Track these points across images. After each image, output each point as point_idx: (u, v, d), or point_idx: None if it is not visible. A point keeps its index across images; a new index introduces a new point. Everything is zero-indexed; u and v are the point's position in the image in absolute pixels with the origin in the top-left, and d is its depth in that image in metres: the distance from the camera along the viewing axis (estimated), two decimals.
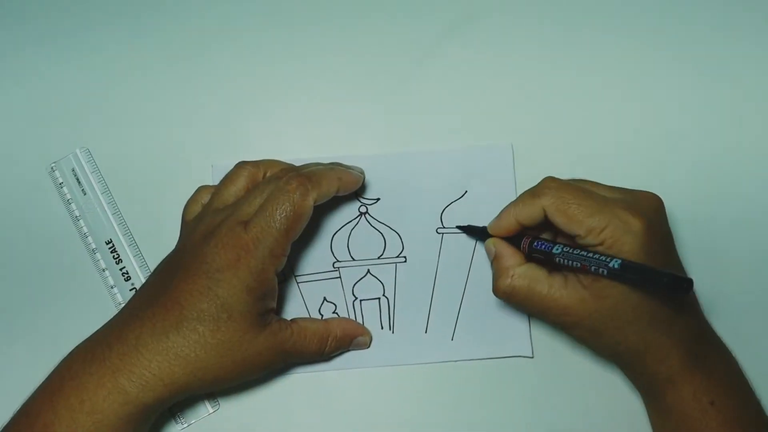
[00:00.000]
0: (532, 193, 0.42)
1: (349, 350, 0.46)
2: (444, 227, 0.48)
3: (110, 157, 0.49)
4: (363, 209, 0.48)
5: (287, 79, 0.50)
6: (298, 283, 0.47)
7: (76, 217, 0.48)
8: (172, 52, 0.50)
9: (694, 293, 0.44)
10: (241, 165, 0.45)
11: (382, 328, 0.47)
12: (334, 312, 0.47)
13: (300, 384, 0.46)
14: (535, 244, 0.42)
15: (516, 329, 0.47)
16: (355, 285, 0.47)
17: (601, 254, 0.38)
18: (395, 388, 0.47)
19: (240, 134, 0.49)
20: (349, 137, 0.49)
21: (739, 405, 0.41)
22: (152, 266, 0.47)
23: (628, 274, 0.37)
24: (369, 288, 0.47)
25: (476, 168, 0.48)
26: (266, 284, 0.41)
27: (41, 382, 0.41)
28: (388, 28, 0.51)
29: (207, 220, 0.42)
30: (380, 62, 0.50)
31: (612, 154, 0.49)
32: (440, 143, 0.49)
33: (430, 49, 0.50)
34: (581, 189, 0.41)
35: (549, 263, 0.41)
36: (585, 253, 0.39)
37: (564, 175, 0.47)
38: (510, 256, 0.42)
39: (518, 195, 0.43)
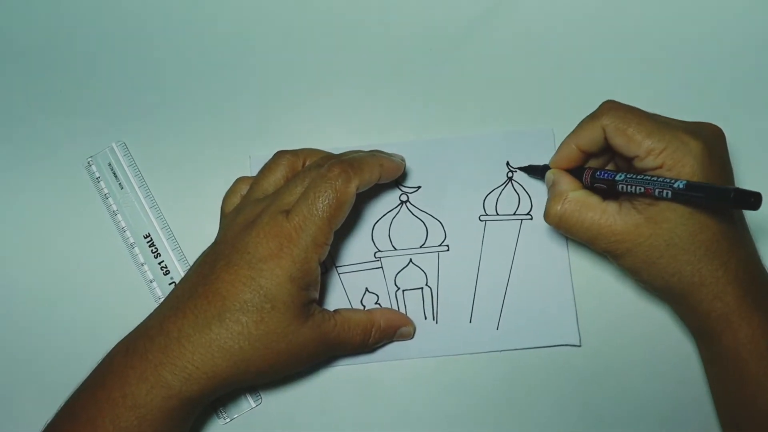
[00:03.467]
0: (592, 116, 0.41)
1: (392, 341, 0.45)
2: (486, 214, 0.47)
3: (147, 150, 0.48)
4: (404, 198, 0.47)
5: (324, 67, 0.49)
6: (339, 274, 0.47)
7: (114, 211, 0.48)
8: (208, 44, 0.50)
9: (750, 234, 0.42)
10: (280, 154, 0.44)
11: (425, 318, 0.46)
12: (376, 303, 0.46)
13: (342, 376, 0.46)
14: (598, 173, 0.41)
15: (563, 317, 0.46)
16: (397, 275, 0.47)
17: (665, 177, 0.37)
18: (439, 380, 0.46)
19: (277, 124, 0.49)
20: (388, 124, 0.48)
21: None
22: (191, 259, 0.46)
23: (694, 191, 0.36)
24: (411, 278, 0.46)
25: (517, 153, 0.47)
26: (309, 274, 0.40)
27: (84, 377, 0.40)
28: (425, 12, 0.50)
29: (247, 210, 0.42)
30: (417, 47, 0.49)
31: None
32: (480, 128, 0.48)
33: (468, 33, 0.49)
34: (641, 111, 0.40)
35: (611, 193, 0.41)
36: (648, 177, 0.38)
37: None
38: (566, 182, 0.42)
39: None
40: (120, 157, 0.48)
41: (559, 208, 0.41)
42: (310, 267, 0.40)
